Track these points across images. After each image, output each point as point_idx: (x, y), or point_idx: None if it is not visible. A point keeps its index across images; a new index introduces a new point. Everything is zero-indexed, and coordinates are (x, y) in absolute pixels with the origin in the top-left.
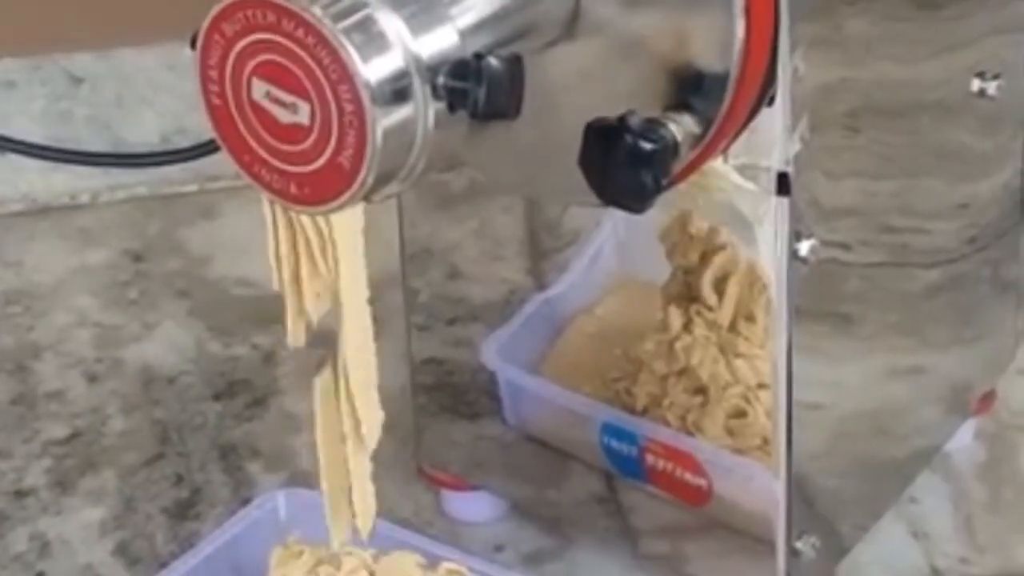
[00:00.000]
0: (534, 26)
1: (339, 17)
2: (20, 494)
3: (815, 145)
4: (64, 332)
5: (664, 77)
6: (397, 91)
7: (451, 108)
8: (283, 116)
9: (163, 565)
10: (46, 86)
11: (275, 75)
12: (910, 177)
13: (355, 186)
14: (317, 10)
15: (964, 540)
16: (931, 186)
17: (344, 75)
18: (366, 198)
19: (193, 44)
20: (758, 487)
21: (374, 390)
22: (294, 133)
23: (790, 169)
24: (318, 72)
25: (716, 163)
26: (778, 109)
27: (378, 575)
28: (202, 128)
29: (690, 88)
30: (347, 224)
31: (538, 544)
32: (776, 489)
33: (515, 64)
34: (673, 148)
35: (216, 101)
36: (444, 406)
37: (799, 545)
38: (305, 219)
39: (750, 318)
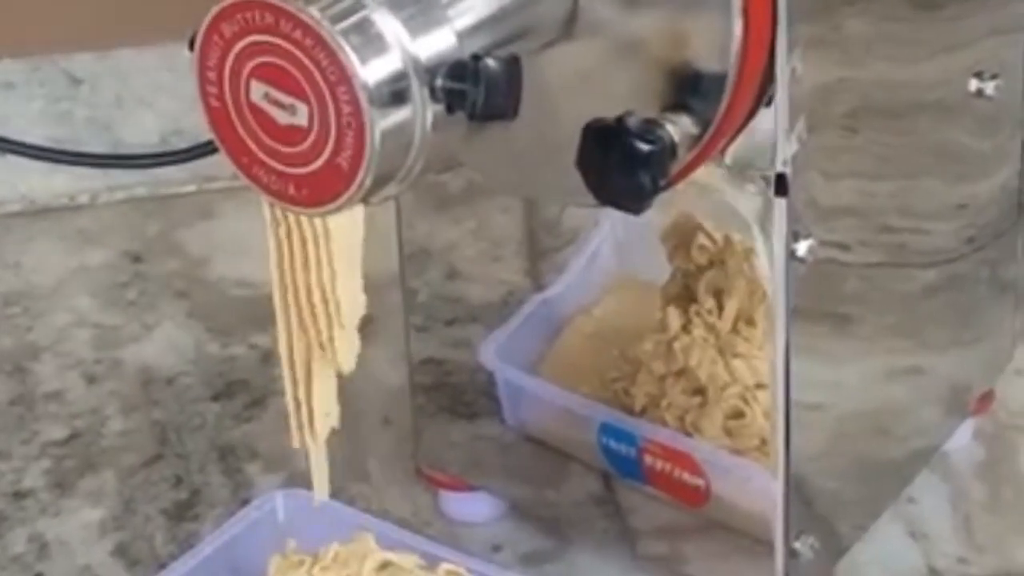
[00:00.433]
0: (532, 27)
1: (337, 19)
2: (19, 495)
3: (813, 145)
4: (63, 333)
5: (662, 78)
6: (395, 93)
7: (449, 109)
8: (281, 117)
9: (162, 566)
10: (45, 87)
11: (273, 77)
12: (908, 177)
13: (353, 187)
14: (315, 12)
15: (963, 540)
16: (929, 186)
17: (342, 77)
18: (364, 199)
19: (191, 45)
20: (756, 487)
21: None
22: (292, 134)
23: (788, 170)
24: (316, 74)
25: (714, 164)
26: (776, 110)
27: None
28: (201, 129)
29: (688, 89)
30: (346, 225)
31: (536, 545)
32: (774, 489)
33: (513, 65)
34: (671, 149)
35: (214, 103)
36: (443, 406)
37: (797, 545)
38: (303, 220)
39: (749, 321)
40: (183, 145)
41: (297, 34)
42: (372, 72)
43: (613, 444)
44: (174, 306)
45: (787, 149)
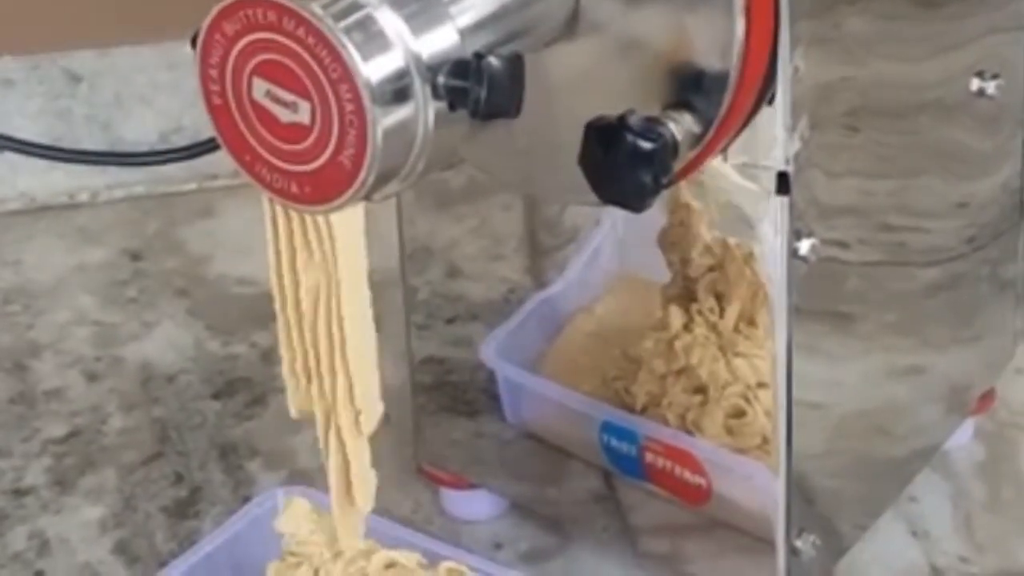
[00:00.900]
0: (534, 25)
1: (340, 16)
2: (19, 493)
3: (815, 144)
4: (63, 331)
5: (664, 76)
6: (397, 90)
7: (451, 107)
8: (284, 115)
9: (163, 564)
10: (44, 85)
11: (276, 74)
12: (909, 176)
13: (356, 185)
14: (318, 9)
15: (963, 539)
16: (930, 185)
17: (345, 74)
18: (367, 197)
19: (193, 43)
20: (757, 486)
21: (375, 379)
22: (295, 132)
23: (790, 168)
24: (319, 71)
25: (716, 162)
26: (778, 108)
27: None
28: (201, 126)
29: (690, 87)
30: (348, 223)
31: (537, 542)
32: (776, 488)
33: (516, 63)
34: (673, 147)
35: (217, 100)
36: (443, 405)
37: (799, 544)
38: (306, 217)
39: (750, 321)
40: (183, 143)
41: (299, 31)
42: (374, 70)
43: (614, 442)
44: (174, 304)
45: (789, 148)
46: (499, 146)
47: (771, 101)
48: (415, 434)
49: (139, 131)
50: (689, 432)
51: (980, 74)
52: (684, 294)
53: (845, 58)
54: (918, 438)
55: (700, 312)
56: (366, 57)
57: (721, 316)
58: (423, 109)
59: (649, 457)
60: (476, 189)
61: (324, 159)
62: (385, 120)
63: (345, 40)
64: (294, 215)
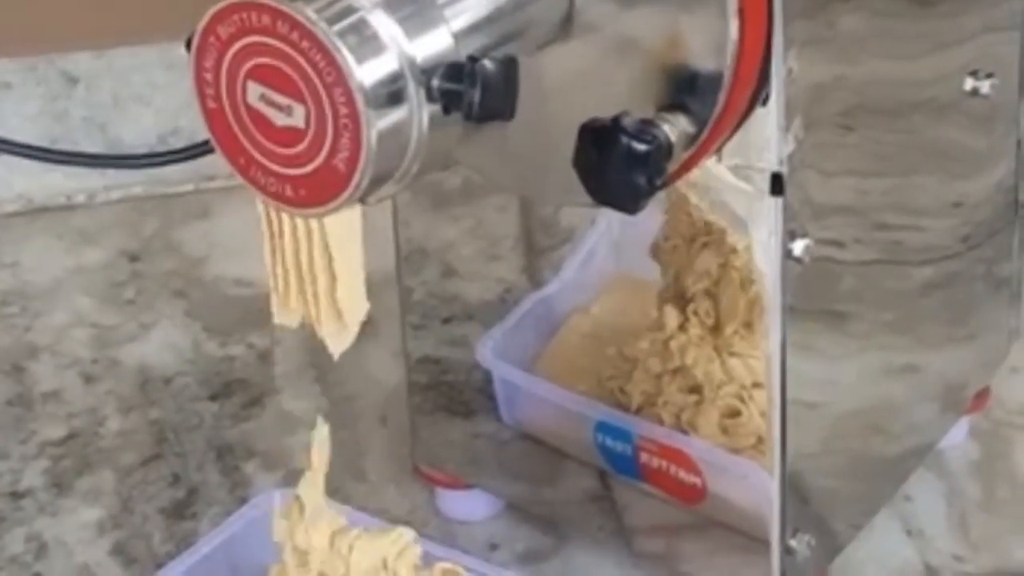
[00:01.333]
0: (528, 28)
1: (333, 20)
2: (17, 495)
3: (809, 144)
4: (60, 332)
5: (658, 78)
6: (391, 94)
7: (446, 110)
8: (278, 119)
9: (160, 565)
10: (42, 86)
11: (270, 78)
12: (903, 175)
13: (350, 188)
14: (311, 13)
15: (958, 538)
16: (925, 184)
17: (339, 78)
18: (361, 200)
19: (188, 46)
20: (752, 485)
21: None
22: (289, 136)
23: (784, 169)
24: (313, 75)
25: (710, 163)
26: (772, 109)
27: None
28: (198, 127)
29: (684, 89)
30: (344, 223)
31: (533, 542)
32: (770, 487)
33: (510, 66)
34: (667, 149)
35: (211, 104)
36: (439, 405)
37: (793, 543)
38: (300, 219)
39: (746, 324)
40: (180, 144)
41: (294, 35)
42: (368, 73)
43: (609, 442)
44: (172, 305)
45: (783, 149)
46: (493, 148)
47: (765, 102)
48: (411, 434)
49: (137, 132)
50: (684, 432)
51: (974, 73)
52: (679, 295)
53: (839, 57)
54: (913, 437)
55: (696, 313)
56: (360, 60)
57: (717, 325)
58: (417, 112)
59: (644, 457)
60: (471, 190)
61: (319, 162)
62: (379, 123)
63: (339, 44)
64: (288, 217)
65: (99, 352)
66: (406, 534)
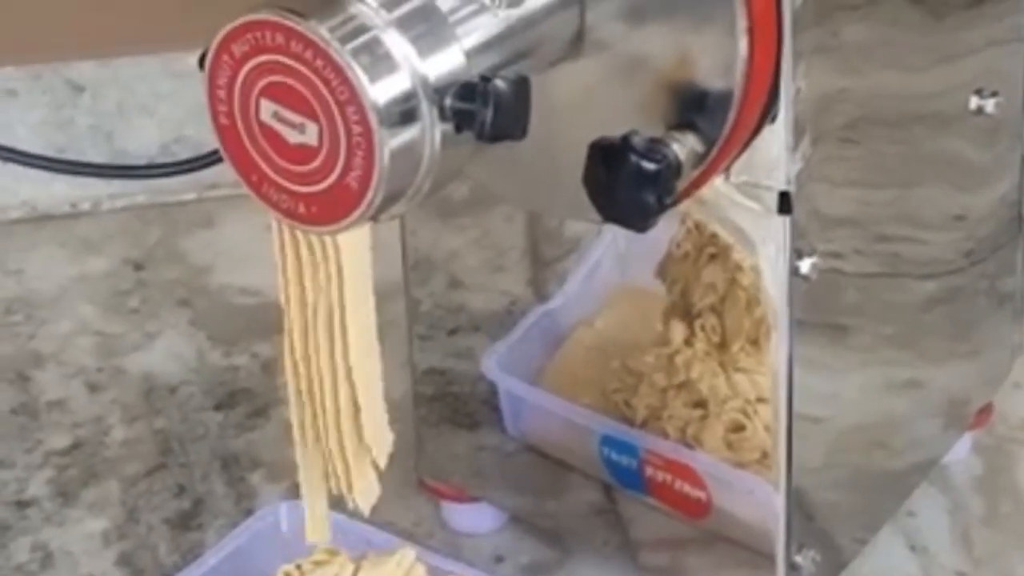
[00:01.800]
0: (539, 46)
1: (347, 39)
2: (22, 504)
3: (816, 159)
4: (65, 341)
5: (668, 96)
6: (404, 112)
7: (458, 129)
8: (291, 136)
9: None
10: (47, 95)
11: (283, 96)
12: (907, 188)
13: (363, 206)
14: (325, 32)
15: (961, 553)
16: (928, 198)
17: (352, 96)
18: (373, 218)
19: (201, 63)
20: (757, 500)
21: (381, 404)
22: (302, 153)
23: (792, 188)
24: (326, 93)
25: (718, 181)
26: (780, 128)
27: None
28: (203, 136)
29: (694, 107)
30: (354, 242)
31: (538, 555)
32: (776, 503)
33: (522, 86)
34: (676, 167)
35: (224, 120)
36: (444, 417)
37: (799, 559)
38: (312, 237)
39: (753, 341)
40: (185, 153)
41: (307, 54)
42: (382, 92)
43: (615, 455)
44: (176, 314)
45: (791, 167)
46: (503, 165)
47: (773, 120)
48: (416, 447)
49: (141, 141)
50: (689, 446)
51: (979, 92)
52: (686, 311)
53: (844, 70)
54: (916, 452)
55: (703, 328)
56: (373, 79)
57: (723, 342)
58: (430, 131)
59: (649, 470)
60: (478, 200)
61: (331, 180)
62: (392, 142)
63: (352, 62)
64: (300, 235)
65: (104, 361)
66: (409, 554)
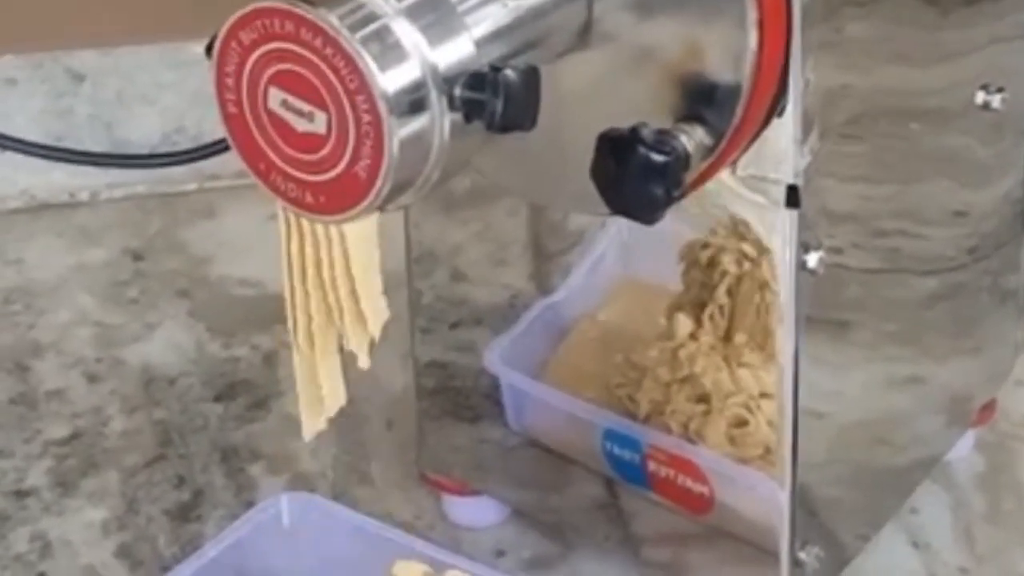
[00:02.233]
0: (547, 36)
1: (357, 27)
2: (21, 494)
3: (823, 153)
4: (64, 331)
5: (676, 88)
6: (414, 101)
7: (467, 119)
8: (300, 125)
9: (166, 568)
10: (47, 84)
11: (292, 84)
12: (911, 185)
13: (371, 196)
14: (335, 20)
15: (964, 550)
16: (931, 193)
17: (361, 85)
18: (381, 208)
19: (208, 51)
20: (760, 496)
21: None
22: (310, 142)
23: (800, 181)
24: (335, 82)
25: (725, 174)
26: (788, 121)
27: None
28: (204, 126)
29: (702, 99)
30: (361, 230)
31: (540, 549)
32: (780, 499)
33: (532, 76)
34: (684, 160)
35: (232, 109)
36: (446, 410)
37: (802, 555)
38: (318, 226)
39: (758, 335)
40: (185, 143)
41: (317, 42)
42: (391, 81)
43: (617, 450)
44: (175, 305)
45: (799, 161)
46: (510, 156)
47: (781, 113)
48: (418, 440)
49: (142, 130)
50: (692, 441)
51: (985, 87)
52: (697, 301)
53: (850, 65)
54: (919, 449)
55: (711, 318)
56: (383, 68)
57: (728, 335)
58: (439, 120)
59: (652, 465)
60: (481, 193)
61: (339, 169)
62: (401, 131)
63: (362, 51)
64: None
65: (103, 351)
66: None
